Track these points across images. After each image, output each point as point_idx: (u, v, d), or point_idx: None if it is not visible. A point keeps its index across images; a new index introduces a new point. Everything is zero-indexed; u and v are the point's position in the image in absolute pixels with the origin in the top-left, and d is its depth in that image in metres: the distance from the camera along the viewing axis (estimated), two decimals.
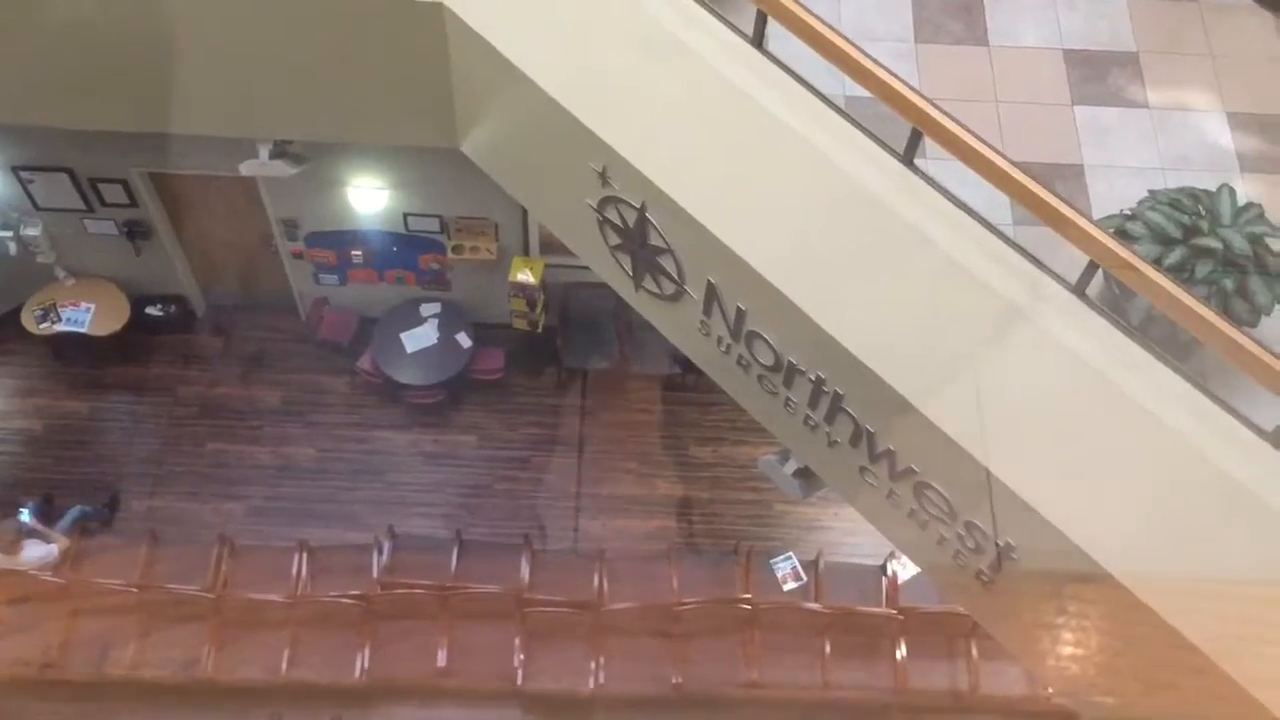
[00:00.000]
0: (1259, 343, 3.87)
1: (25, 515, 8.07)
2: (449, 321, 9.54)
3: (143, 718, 8.08)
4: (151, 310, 9.79)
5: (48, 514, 8.55)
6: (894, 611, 8.22)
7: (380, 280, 9.48)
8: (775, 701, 8.28)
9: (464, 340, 9.48)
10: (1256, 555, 4.08)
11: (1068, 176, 5.42)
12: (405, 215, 8.75)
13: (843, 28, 5.68)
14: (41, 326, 9.33)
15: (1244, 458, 4.10)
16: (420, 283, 9.51)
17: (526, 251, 8.97)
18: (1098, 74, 5.82)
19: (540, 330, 9.56)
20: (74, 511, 8.51)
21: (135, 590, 8.03)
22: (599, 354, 9.81)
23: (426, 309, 9.59)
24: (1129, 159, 5.54)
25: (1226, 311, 4.18)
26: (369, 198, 8.47)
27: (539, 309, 9.29)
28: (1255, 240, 4.14)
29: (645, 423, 9.66)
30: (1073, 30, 5.96)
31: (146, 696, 8.10)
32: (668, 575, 8.50)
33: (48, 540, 8.07)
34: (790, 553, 8.63)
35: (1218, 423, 4.15)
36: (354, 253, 9.17)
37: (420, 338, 9.50)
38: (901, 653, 8.24)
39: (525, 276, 8.80)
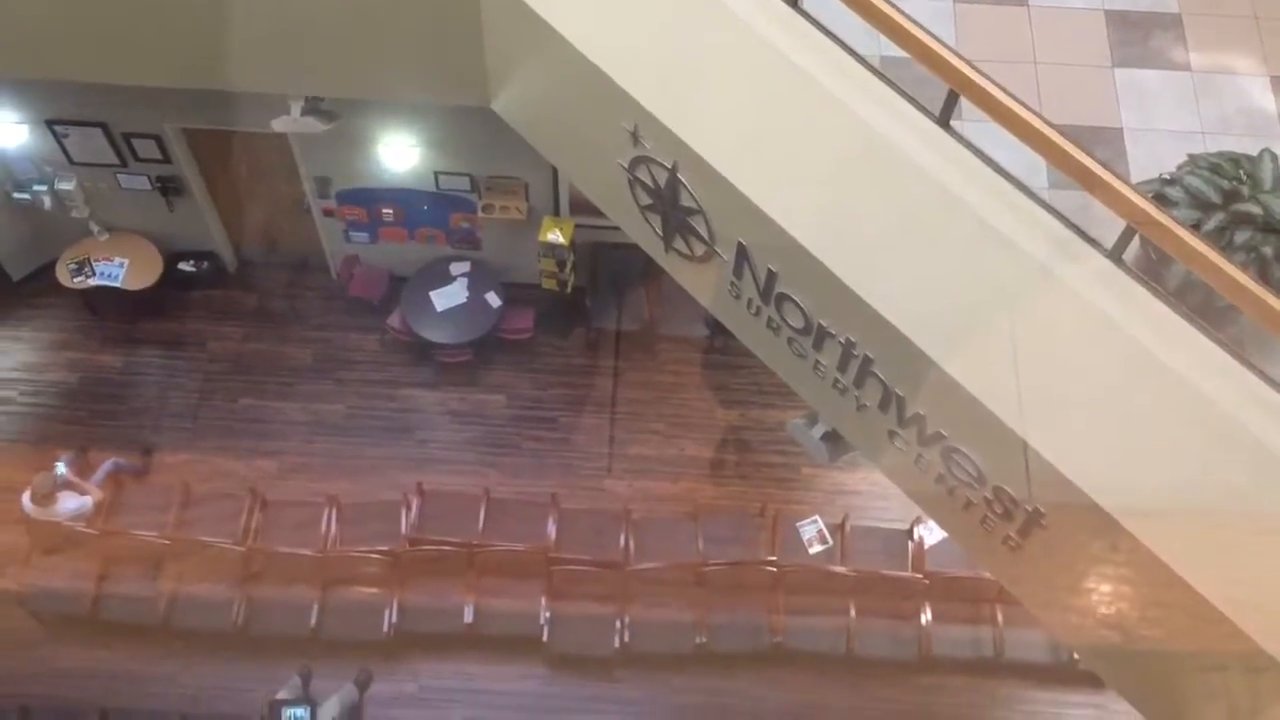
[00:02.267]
0: None
1: (61, 468, 8.19)
2: (479, 281, 9.57)
3: (174, 668, 8.24)
4: (184, 266, 9.86)
5: (82, 466, 8.68)
6: (920, 576, 8.25)
7: (410, 239, 9.51)
8: (799, 663, 8.36)
9: (493, 300, 9.50)
10: None
11: (1107, 140, 5.36)
12: (436, 174, 8.75)
13: None
14: (76, 280, 9.43)
15: None
16: (450, 241, 9.53)
17: (557, 211, 8.96)
18: (1139, 36, 5.73)
19: (569, 290, 9.56)
20: (108, 464, 8.63)
21: (168, 542, 8.17)
22: (628, 315, 9.82)
23: (456, 268, 9.61)
24: (1169, 123, 5.46)
25: (1265, 278, 4.13)
26: (400, 155, 8.47)
27: (568, 269, 9.29)
28: None
29: (674, 384, 9.67)
30: None
31: (178, 647, 8.27)
32: (693, 536, 8.56)
33: (83, 492, 8.21)
34: (816, 516, 8.66)
35: (1255, 390, 4.12)
36: (385, 210, 9.19)
37: (450, 296, 9.54)
38: (926, 617, 8.27)
39: (555, 236, 8.80)
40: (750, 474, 9.26)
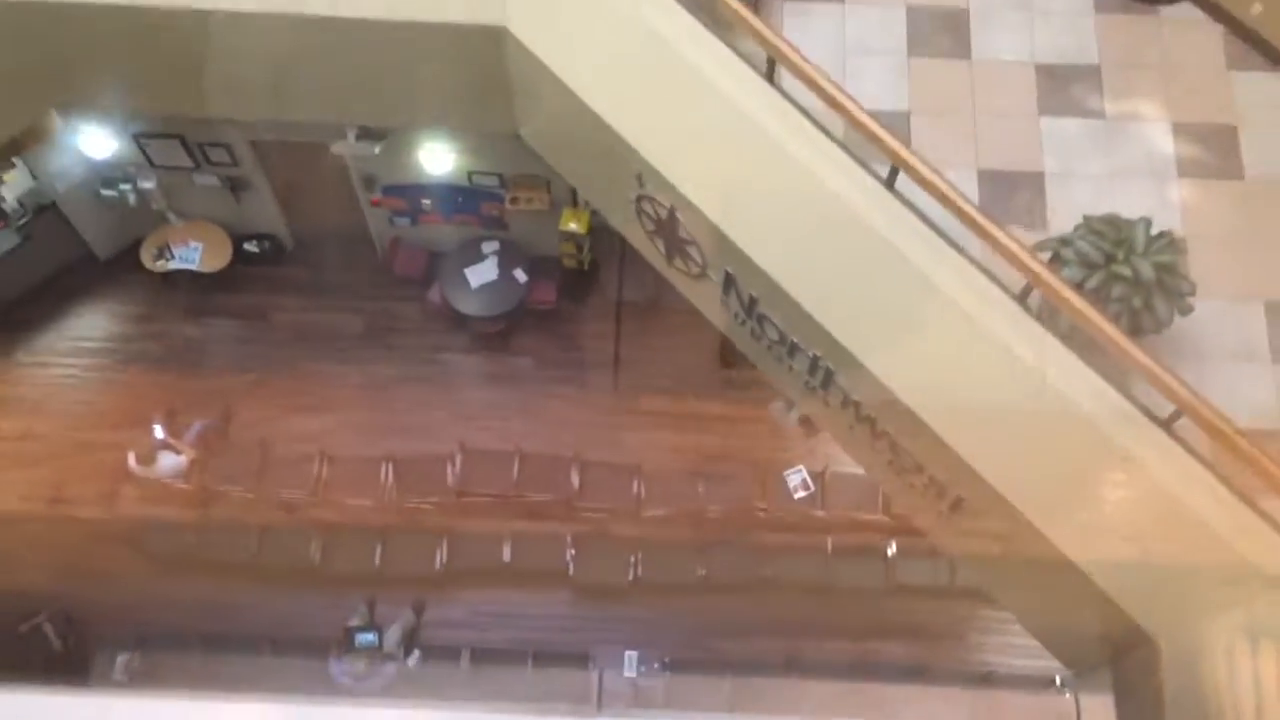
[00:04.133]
0: (1150, 354, 4.70)
1: (158, 431, 9.20)
2: (507, 258, 10.39)
3: (261, 598, 9.31)
4: (249, 246, 10.71)
5: (173, 427, 9.67)
6: (887, 518, 9.25)
7: (446, 222, 10.34)
8: (785, 589, 9.41)
9: (520, 276, 10.35)
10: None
11: (1030, 184, 6.14)
12: (470, 172, 9.55)
13: (846, 41, 6.42)
14: (157, 264, 10.32)
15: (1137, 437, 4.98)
16: (481, 224, 10.35)
17: (575, 204, 9.76)
18: (1062, 86, 6.46)
19: (587, 266, 10.42)
20: (196, 426, 9.62)
21: (251, 496, 9.21)
22: (639, 287, 10.68)
23: (487, 247, 10.43)
24: (1084, 166, 6.23)
25: (1136, 323, 4.99)
26: (439, 160, 9.27)
27: (585, 250, 10.14)
28: (1162, 267, 4.92)
29: (679, 347, 10.51)
30: (1045, 45, 6.56)
31: (261, 582, 9.33)
32: (695, 483, 9.56)
33: (177, 451, 9.22)
34: (801, 466, 9.61)
35: (1118, 406, 5.02)
36: (424, 201, 10.01)
37: (482, 273, 10.39)
38: (892, 550, 9.31)
39: (574, 226, 9.63)
40: (745, 427, 10.19)
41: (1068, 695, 8.88)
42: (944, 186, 5.08)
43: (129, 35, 6.51)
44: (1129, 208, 5.78)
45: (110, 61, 6.86)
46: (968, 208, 5.01)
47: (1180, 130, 6.30)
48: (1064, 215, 5.86)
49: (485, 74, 6.71)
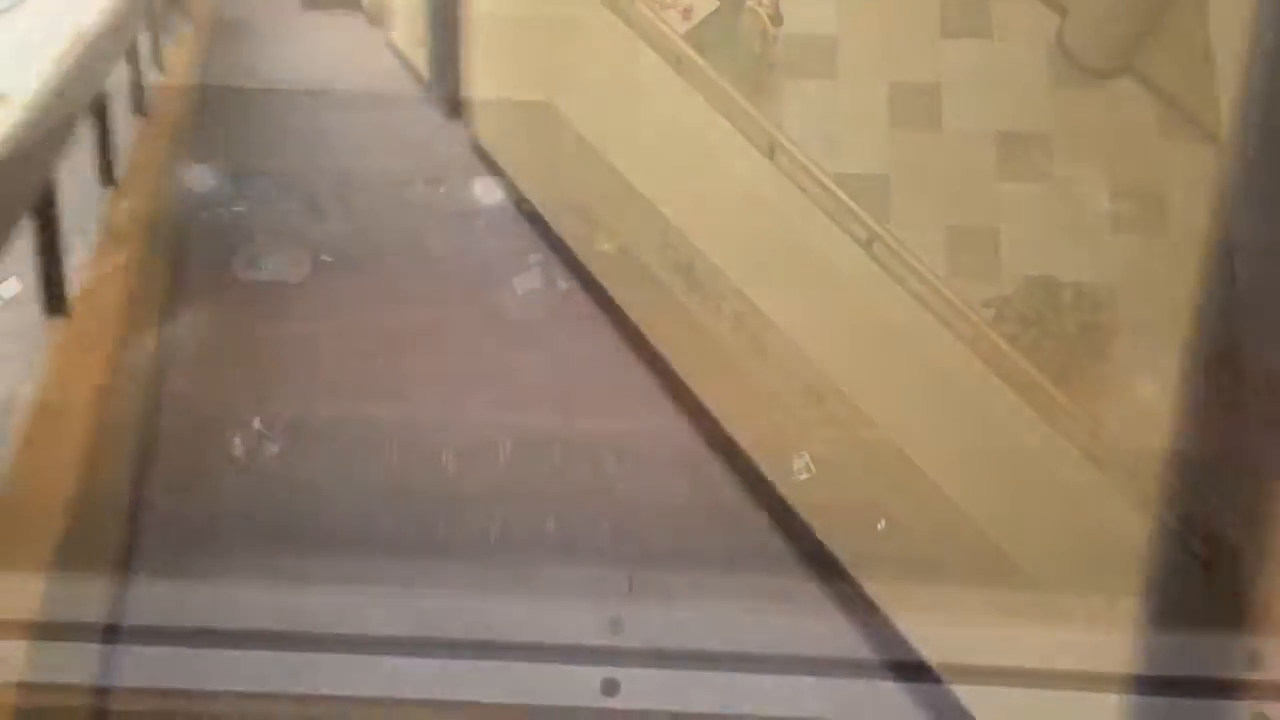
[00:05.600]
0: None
1: (256, 422, 10.18)
2: (550, 268, 11.28)
3: (348, 561, 10.36)
4: (325, 257, 11.64)
5: (266, 419, 10.64)
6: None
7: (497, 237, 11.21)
8: (787, 556, 10.34)
9: (561, 284, 11.24)
10: None
11: (985, 242, 6.91)
12: (517, 200, 10.43)
13: (837, 112, 7.20)
14: (249, 274, 11.28)
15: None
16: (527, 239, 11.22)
17: None
18: (1019, 152, 7.19)
19: None
20: (284, 419, 10.60)
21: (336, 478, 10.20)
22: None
23: (532, 258, 11.30)
24: (1035, 223, 6.99)
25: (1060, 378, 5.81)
26: (490, 190, 10.15)
27: None
28: (1083, 326, 5.74)
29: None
30: (1005, 115, 7.29)
31: (353, 552, 10.37)
32: (715, 465, 10.46)
33: (273, 440, 10.21)
34: (804, 452, 10.50)
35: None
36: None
37: (527, 281, 11.28)
38: (881, 525, 10.20)
39: (607, 248, 10.49)
40: (759, 416, 11.05)
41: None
42: (908, 257, 5.89)
43: None
44: (1071, 261, 6.60)
45: None
46: (926, 274, 5.82)
47: (1116, 191, 7.02)
48: (1016, 268, 6.64)
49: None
